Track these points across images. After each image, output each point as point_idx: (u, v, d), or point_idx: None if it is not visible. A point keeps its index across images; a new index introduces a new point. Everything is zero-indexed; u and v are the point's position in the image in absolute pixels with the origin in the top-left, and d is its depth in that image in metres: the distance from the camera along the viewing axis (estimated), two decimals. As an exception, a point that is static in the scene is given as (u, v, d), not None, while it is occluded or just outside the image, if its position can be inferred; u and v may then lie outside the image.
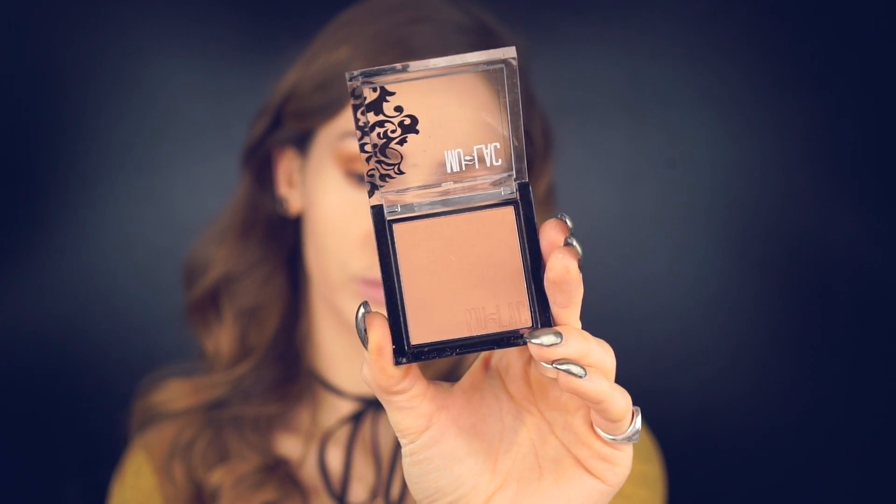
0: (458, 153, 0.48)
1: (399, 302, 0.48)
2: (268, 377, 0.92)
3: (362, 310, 0.46)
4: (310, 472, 0.91)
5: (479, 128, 0.48)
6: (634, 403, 0.48)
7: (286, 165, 0.92)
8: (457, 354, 0.47)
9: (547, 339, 0.45)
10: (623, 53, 1.25)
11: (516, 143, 0.48)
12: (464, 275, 0.48)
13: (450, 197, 0.49)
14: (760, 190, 1.24)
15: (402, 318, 0.48)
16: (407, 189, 0.49)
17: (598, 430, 0.48)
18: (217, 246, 0.94)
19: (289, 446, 0.92)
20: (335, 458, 0.91)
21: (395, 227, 0.49)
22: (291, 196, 0.92)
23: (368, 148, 0.47)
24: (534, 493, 0.50)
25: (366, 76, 0.45)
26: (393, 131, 0.47)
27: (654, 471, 0.90)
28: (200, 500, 0.89)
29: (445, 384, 0.51)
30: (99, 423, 1.07)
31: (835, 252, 1.23)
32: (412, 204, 0.49)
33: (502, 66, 0.46)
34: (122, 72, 1.24)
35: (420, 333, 0.47)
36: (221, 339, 0.93)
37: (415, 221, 0.49)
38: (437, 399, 0.49)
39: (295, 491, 0.88)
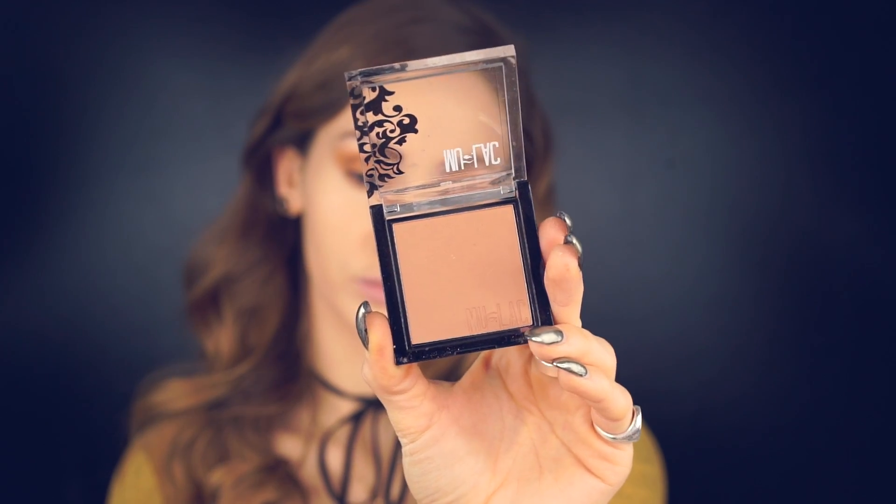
0: (457, 152, 0.48)
1: (399, 302, 0.48)
2: (268, 377, 0.92)
3: (363, 310, 0.46)
4: (310, 472, 0.91)
5: (478, 127, 0.48)
6: (634, 403, 0.48)
7: (286, 165, 0.92)
8: (458, 354, 0.47)
9: (548, 337, 0.45)
10: (623, 53, 1.25)
11: (515, 142, 0.48)
12: (464, 274, 0.48)
13: (449, 196, 0.49)
14: (760, 190, 1.24)
15: (402, 318, 0.47)
16: (406, 189, 0.49)
17: (599, 429, 0.48)
18: (217, 246, 0.94)
19: (289, 446, 0.92)
20: (335, 458, 0.91)
21: (395, 226, 0.49)
22: (292, 196, 0.92)
23: (367, 148, 0.47)
24: (534, 493, 0.50)
25: (364, 76, 0.45)
26: (392, 131, 0.47)
27: (654, 471, 0.90)
28: (200, 500, 0.89)
29: (446, 383, 0.51)
30: (99, 423, 1.08)
31: (835, 252, 1.23)
32: (411, 203, 0.49)
33: (501, 64, 0.46)
34: (122, 72, 1.24)
35: (421, 333, 0.47)
36: (221, 339, 0.93)
37: (414, 221, 0.49)
38: (438, 398, 0.49)
39: (295, 491, 0.88)
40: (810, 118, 1.23)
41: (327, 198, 0.84)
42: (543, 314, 0.47)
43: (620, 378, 0.47)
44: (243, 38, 1.26)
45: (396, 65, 0.45)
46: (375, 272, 0.82)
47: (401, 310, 0.48)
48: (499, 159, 0.49)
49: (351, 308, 0.85)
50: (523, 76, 0.87)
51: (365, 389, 0.90)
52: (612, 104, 1.25)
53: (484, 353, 0.51)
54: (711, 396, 1.25)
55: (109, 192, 1.25)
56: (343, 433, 0.91)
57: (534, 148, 0.88)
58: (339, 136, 0.83)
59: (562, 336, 0.45)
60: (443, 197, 0.49)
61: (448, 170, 0.49)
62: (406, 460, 0.50)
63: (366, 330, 0.46)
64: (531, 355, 0.49)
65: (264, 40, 1.24)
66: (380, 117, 0.46)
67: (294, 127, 0.87)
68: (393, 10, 0.85)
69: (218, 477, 0.88)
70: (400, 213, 0.49)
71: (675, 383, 1.24)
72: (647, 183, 1.25)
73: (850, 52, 1.22)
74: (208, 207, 1.04)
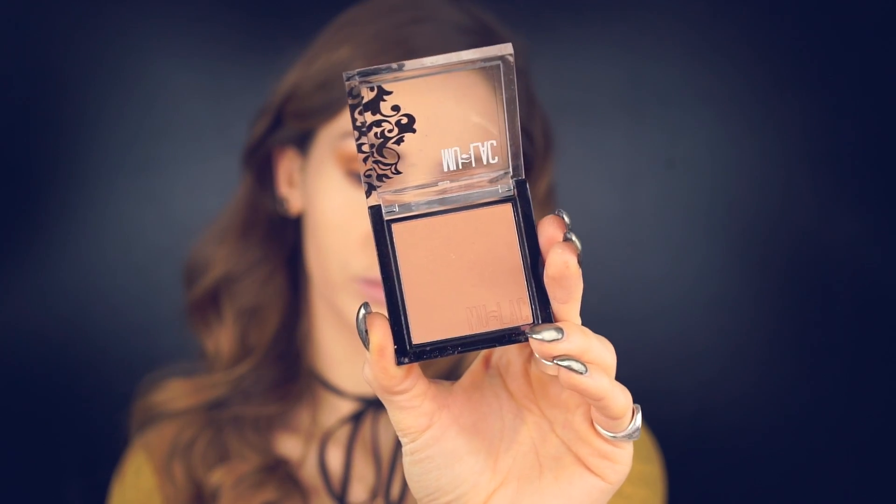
0: (455, 151, 0.48)
1: (400, 302, 0.48)
2: (268, 377, 0.92)
3: (363, 311, 0.46)
4: (310, 472, 0.91)
5: (476, 126, 0.48)
6: (634, 402, 0.48)
7: (287, 165, 0.92)
8: (459, 353, 0.47)
9: (548, 334, 0.45)
10: (623, 53, 1.25)
11: (513, 141, 0.48)
12: (464, 273, 0.48)
13: (447, 196, 0.49)
14: (760, 190, 1.24)
15: (403, 318, 0.47)
16: (405, 188, 0.49)
17: (599, 428, 0.48)
18: (217, 246, 0.94)
19: (289, 446, 0.92)
20: (335, 458, 0.91)
21: (394, 226, 0.49)
22: (292, 196, 0.92)
23: (366, 148, 0.47)
24: (534, 492, 0.50)
25: (363, 75, 0.45)
26: (390, 131, 0.47)
27: (654, 470, 0.90)
28: (200, 500, 0.89)
29: (446, 383, 0.51)
30: (99, 423, 1.07)
31: (835, 252, 1.23)
32: (410, 203, 0.49)
33: (499, 62, 0.46)
34: (122, 72, 1.24)
35: (421, 333, 0.47)
36: (221, 338, 0.93)
37: (413, 221, 0.49)
38: (438, 398, 0.49)
39: (295, 491, 0.88)
40: (810, 118, 1.23)
41: (327, 198, 0.84)
42: (544, 312, 0.47)
43: (620, 377, 0.47)
44: (243, 38, 1.26)
45: (394, 64, 0.45)
46: (376, 272, 0.82)
47: (401, 310, 0.48)
48: (497, 158, 0.49)
49: (351, 308, 0.85)
50: (523, 76, 0.87)
51: (365, 389, 0.90)
52: (612, 104, 1.25)
53: (484, 353, 0.51)
54: (711, 396, 1.25)
55: (109, 192, 1.25)
56: (343, 433, 0.91)
57: (534, 148, 0.88)
58: (339, 135, 0.83)
59: (562, 333, 0.45)
60: (441, 196, 0.49)
61: (446, 169, 0.49)
62: (406, 460, 0.50)
63: (366, 330, 0.46)
64: (531, 354, 0.49)
65: (264, 40, 1.24)
66: (378, 117, 0.46)
67: (294, 127, 0.87)
68: (393, 10, 0.85)
69: (218, 477, 0.88)
70: (399, 213, 0.49)
71: (675, 383, 1.24)
72: (647, 183, 1.25)
73: (850, 52, 1.22)
74: (208, 207, 1.04)
